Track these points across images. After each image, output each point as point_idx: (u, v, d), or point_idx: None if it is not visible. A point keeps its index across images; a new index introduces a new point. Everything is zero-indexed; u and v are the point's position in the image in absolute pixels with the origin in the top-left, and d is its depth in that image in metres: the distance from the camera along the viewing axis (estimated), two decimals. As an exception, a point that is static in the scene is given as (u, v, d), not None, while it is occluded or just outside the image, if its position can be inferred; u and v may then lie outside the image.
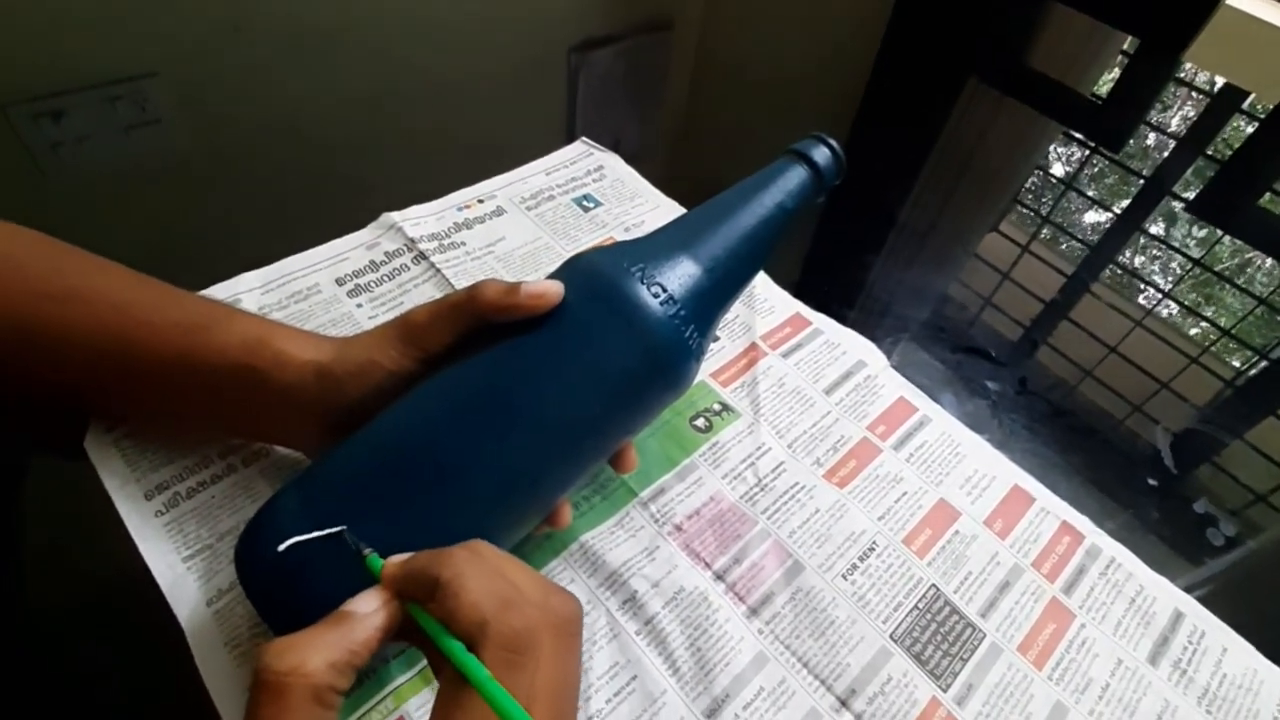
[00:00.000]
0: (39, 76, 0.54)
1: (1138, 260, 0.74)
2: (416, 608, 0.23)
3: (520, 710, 0.20)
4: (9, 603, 0.37)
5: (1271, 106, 0.72)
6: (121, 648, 0.35)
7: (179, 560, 0.33)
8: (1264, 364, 0.58)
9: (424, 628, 0.22)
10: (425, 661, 0.32)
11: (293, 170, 0.66)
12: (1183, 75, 0.81)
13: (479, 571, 0.22)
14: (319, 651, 0.21)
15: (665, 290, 0.29)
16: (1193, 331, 0.64)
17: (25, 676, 0.34)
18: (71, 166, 0.57)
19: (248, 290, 0.43)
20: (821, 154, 0.34)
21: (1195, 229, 0.77)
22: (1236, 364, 0.59)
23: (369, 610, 0.23)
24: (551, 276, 0.31)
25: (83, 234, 0.34)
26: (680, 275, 0.30)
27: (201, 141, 0.62)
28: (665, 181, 0.55)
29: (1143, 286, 0.68)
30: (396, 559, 0.24)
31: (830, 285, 0.54)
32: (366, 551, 0.25)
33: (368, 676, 0.31)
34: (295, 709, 0.20)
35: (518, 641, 0.21)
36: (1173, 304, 0.64)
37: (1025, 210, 0.73)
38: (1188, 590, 0.38)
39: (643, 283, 0.29)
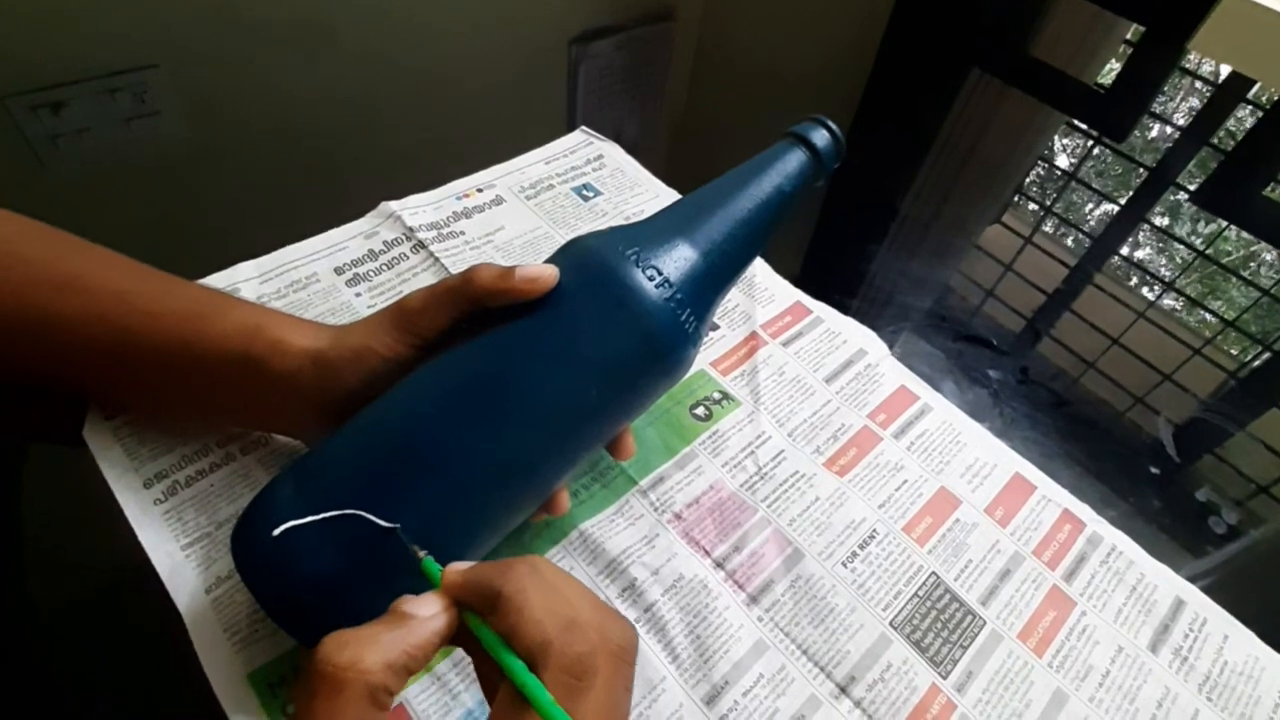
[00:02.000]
0: (38, 68, 0.54)
1: (1143, 253, 0.73)
2: (475, 620, 0.22)
3: None
4: (10, 586, 0.37)
5: (1277, 95, 0.71)
6: (120, 635, 0.35)
7: (178, 548, 0.33)
8: (1267, 355, 0.58)
9: (483, 641, 0.22)
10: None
11: (292, 160, 0.66)
12: (1188, 65, 0.80)
13: (541, 589, 0.22)
14: (378, 650, 0.21)
15: (661, 274, 0.29)
16: (1195, 323, 0.64)
17: (25, 662, 0.34)
18: (71, 158, 0.57)
19: (246, 280, 0.43)
20: (820, 136, 0.34)
21: (1202, 225, 0.77)
22: (1235, 352, 0.59)
23: (429, 614, 0.22)
24: (548, 261, 0.30)
25: (82, 224, 0.34)
26: (676, 259, 0.30)
27: (201, 132, 0.62)
28: (666, 173, 0.55)
29: (1146, 278, 0.68)
30: (457, 567, 0.23)
31: (832, 275, 0.54)
32: (421, 554, 0.24)
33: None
34: (350, 704, 0.20)
35: (580, 666, 0.21)
36: (1176, 296, 0.64)
37: (1029, 200, 0.73)
38: (1190, 579, 0.38)
39: (638, 266, 0.29)
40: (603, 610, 0.23)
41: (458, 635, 0.23)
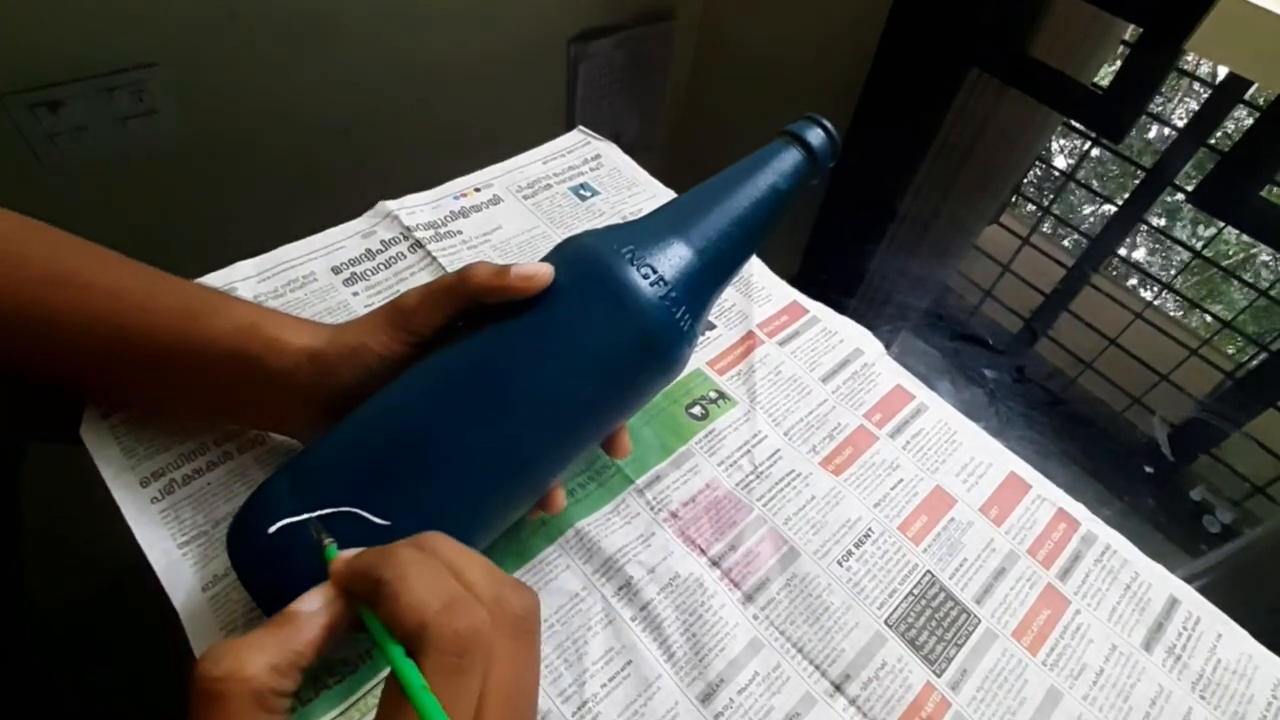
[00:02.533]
0: (36, 67, 0.54)
1: (1140, 253, 0.73)
2: (365, 609, 0.22)
3: None
4: (10, 586, 0.37)
5: (1274, 96, 0.71)
6: (120, 635, 0.35)
7: (174, 546, 0.33)
8: (1264, 356, 0.58)
9: (371, 632, 0.22)
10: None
11: (290, 159, 0.66)
12: (1185, 66, 0.80)
13: (423, 570, 0.21)
14: (260, 654, 0.20)
15: (655, 272, 0.29)
16: (1193, 324, 0.64)
17: (25, 662, 0.34)
18: (69, 157, 0.57)
19: (243, 278, 0.43)
20: (815, 135, 0.34)
21: (1202, 229, 0.77)
22: (1232, 352, 0.59)
23: (313, 609, 0.22)
24: (543, 259, 0.31)
25: (80, 223, 0.34)
26: (671, 257, 0.30)
27: (198, 131, 0.62)
28: (665, 173, 0.55)
29: (1144, 278, 0.68)
30: (346, 554, 0.23)
31: (830, 275, 0.54)
32: (327, 541, 0.24)
33: (362, 661, 0.31)
34: (235, 715, 0.20)
35: (461, 644, 0.20)
36: (1174, 296, 0.64)
37: (1026, 201, 0.73)
38: (1184, 578, 0.38)
39: (633, 264, 0.29)
40: (499, 582, 0.23)
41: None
